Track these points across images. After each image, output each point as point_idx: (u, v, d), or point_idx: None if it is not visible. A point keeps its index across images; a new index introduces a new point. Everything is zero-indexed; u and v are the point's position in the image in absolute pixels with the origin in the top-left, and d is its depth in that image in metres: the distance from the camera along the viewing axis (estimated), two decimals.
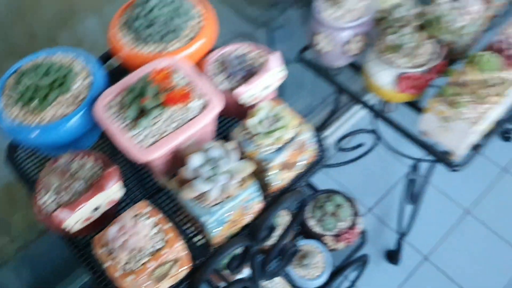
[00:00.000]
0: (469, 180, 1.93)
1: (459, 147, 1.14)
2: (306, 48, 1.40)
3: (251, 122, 0.72)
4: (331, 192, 1.40)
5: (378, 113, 1.34)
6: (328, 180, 1.95)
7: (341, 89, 1.39)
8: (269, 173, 0.73)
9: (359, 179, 1.96)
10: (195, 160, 0.67)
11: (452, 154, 1.18)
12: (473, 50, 1.24)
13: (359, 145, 1.85)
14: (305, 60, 1.41)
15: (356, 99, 1.40)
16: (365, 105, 1.37)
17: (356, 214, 1.36)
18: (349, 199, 1.39)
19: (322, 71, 1.40)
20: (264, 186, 0.77)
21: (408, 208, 1.60)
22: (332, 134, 2.07)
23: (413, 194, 1.55)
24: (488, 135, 1.21)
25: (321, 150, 0.82)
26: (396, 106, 1.32)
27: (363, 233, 1.43)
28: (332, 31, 1.21)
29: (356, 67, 1.33)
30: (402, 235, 1.67)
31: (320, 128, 1.74)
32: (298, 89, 1.96)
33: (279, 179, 0.75)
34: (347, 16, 1.21)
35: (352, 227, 1.34)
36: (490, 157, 1.99)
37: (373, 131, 1.71)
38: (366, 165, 1.90)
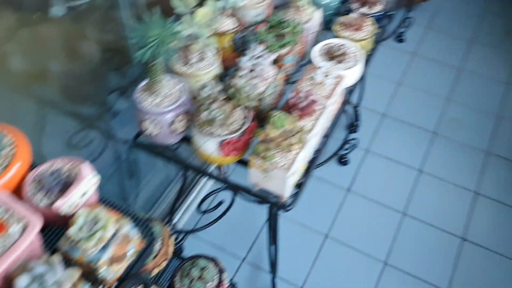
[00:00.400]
0: (321, 207, 2.17)
1: (283, 191, 1.33)
2: (139, 134, 1.52)
3: (72, 230, 0.80)
4: (194, 258, 1.50)
5: (216, 178, 1.50)
6: (200, 243, 2.05)
7: (182, 165, 1.52)
8: (100, 271, 0.82)
9: (228, 234, 2.09)
10: (21, 282, 0.73)
11: (281, 197, 1.36)
12: (279, 107, 1.47)
13: (220, 203, 2.00)
14: (141, 145, 1.53)
15: (196, 170, 1.54)
16: (204, 173, 1.52)
17: (221, 271, 1.48)
18: (212, 259, 1.51)
19: (160, 153, 1.52)
20: (101, 282, 0.85)
21: (274, 248, 1.76)
22: (195, 198, 2.20)
23: (271, 235, 1.72)
24: (306, 173, 1.43)
25: (149, 234, 0.93)
26: (228, 168, 1.49)
27: (232, 285, 1.55)
28: (156, 117, 1.35)
29: (189, 140, 1.48)
30: (273, 274, 1.82)
31: (175, 202, 1.85)
32: (156, 162, 2.07)
33: (112, 272, 0.84)
34: (166, 100, 1.36)
35: (219, 284, 1.45)
36: (334, 182, 2.27)
37: (227, 187, 1.87)
38: (232, 219, 2.04)
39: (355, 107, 2.40)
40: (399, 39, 2.96)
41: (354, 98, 2.35)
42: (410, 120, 2.54)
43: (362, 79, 2.25)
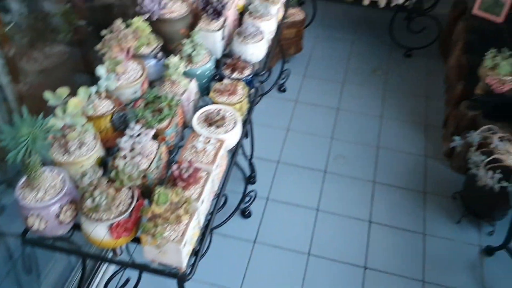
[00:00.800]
0: (231, 264, 2.21)
1: (180, 262, 1.36)
2: (27, 230, 1.47)
3: None
4: None
5: (113, 261, 1.49)
6: None
7: (78, 254, 1.50)
8: None
9: None
10: None
11: (179, 268, 1.39)
12: (165, 180, 1.52)
13: (127, 281, 1.97)
14: (31, 241, 1.48)
15: (93, 257, 1.53)
16: (102, 259, 1.50)
17: None
18: None
19: (52, 246, 1.48)
20: None
21: None
22: (101, 280, 2.13)
23: None
24: (202, 238, 1.48)
25: None
26: (123, 249, 1.49)
27: None
28: (40, 211, 1.33)
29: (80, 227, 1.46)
30: None
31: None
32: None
33: None
34: (48, 193, 1.35)
35: None
36: (240, 237, 2.33)
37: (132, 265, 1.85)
38: None
39: (249, 160, 2.52)
40: (281, 89, 3.18)
41: (247, 152, 2.47)
42: (302, 163, 2.71)
43: (250, 134, 2.39)
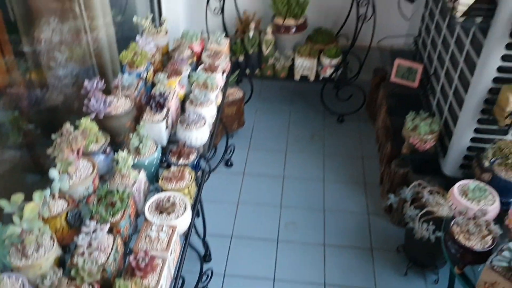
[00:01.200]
0: None
1: None
2: None
3: None
4: None
5: None
6: None
7: None
8: None
9: None
10: None
11: None
12: (123, 270, 1.58)
13: None
14: None
15: None
16: None
17: None
18: None
19: None
20: None
21: None
22: None
23: None
24: None
25: None
26: None
27: None
28: None
29: None
30: None
31: None
32: None
33: None
34: None
35: None
36: None
37: None
38: None
39: (203, 239, 2.59)
40: (228, 164, 3.33)
41: (200, 231, 2.55)
42: (255, 234, 2.82)
43: (201, 213, 2.49)
